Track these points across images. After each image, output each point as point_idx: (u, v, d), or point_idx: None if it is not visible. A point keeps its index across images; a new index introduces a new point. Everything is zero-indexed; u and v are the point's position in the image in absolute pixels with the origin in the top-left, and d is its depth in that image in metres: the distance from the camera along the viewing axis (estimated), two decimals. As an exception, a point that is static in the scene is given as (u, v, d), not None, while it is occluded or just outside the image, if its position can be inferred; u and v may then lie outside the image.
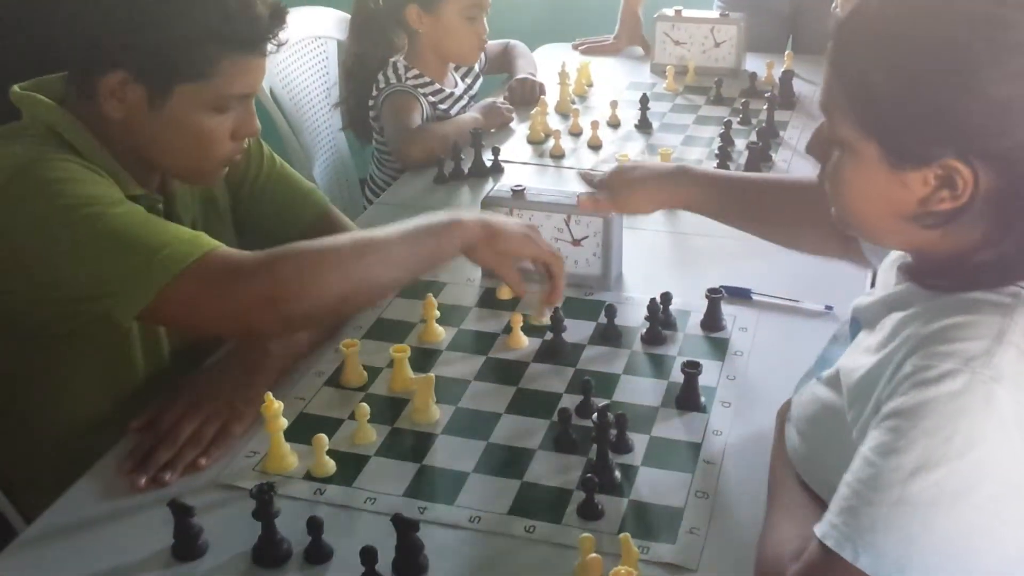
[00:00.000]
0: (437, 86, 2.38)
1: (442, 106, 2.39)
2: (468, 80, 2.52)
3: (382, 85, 2.33)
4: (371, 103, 2.37)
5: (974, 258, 0.93)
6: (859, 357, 1.02)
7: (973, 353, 0.87)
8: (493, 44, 2.66)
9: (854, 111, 0.94)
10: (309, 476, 1.24)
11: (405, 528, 1.08)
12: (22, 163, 1.26)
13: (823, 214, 1.12)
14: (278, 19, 1.36)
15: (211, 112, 1.34)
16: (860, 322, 1.09)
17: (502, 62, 2.69)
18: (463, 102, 2.46)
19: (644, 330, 1.51)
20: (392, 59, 2.36)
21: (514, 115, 2.38)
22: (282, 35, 1.38)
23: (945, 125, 0.89)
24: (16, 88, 1.37)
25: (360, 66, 2.41)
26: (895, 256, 1.09)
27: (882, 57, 0.91)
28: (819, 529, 0.90)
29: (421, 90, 2.33)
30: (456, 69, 2.49)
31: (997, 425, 0.84)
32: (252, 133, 1.42)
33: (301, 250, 1.28)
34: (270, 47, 1.37)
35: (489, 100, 2.39)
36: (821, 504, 0.94)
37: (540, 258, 1.43)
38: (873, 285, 1.19)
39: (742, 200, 1.48)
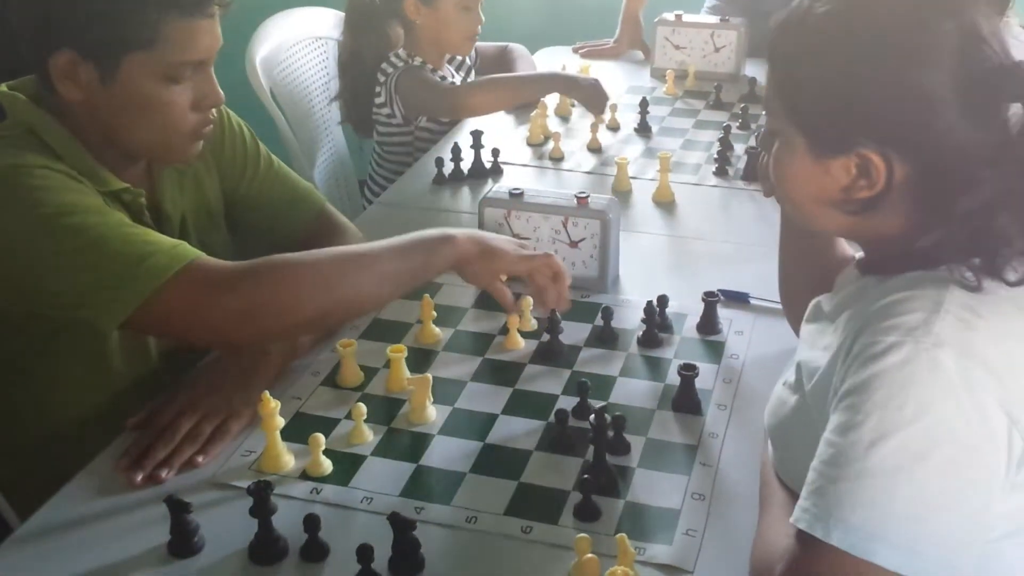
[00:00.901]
0: (440, 73, 2.40)
1: None
2: (461, 73, 2.53)
3: (389, 71, 2.35)
4: (377, 91, 2.38)
5: (914, 244, 0.98)
6: (816, 353, 1.06)
7: (914, 324, 0.90)
8: (490, 46, 2.67)
9: (783, 103, 1.02)
10: (305, 476, 1.24)
11: (402, 527, 1.08)
12: (3, 166, 1.26)
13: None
14: None
15: (165, 82, 1.32)
16: (808, 318, 1.14)
17: (501, 64, 2.69)
18: None
19: (640, 332, 1.51)
20: (391, 52, 2.37)
21: (609, 105, 2.35)
22: None
23: (858, 116, 0.96)
24: (3, 87, 1.37)
25: (356, 61, 2.42)
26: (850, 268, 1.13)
27: (807, 51, 0.99)
28: (793, 516, 0.92)
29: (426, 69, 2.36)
30: (450, 61, 2.50)
31: (945, 389, 0.87)
32: (216, 102, 1.39)
33: (281, 264, 1.27)
34: (216, 9, 1.33)
35: (593, 78, 2.36)
36: None
37: (535, 273, 1.44)
38: None
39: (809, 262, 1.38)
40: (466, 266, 1.39)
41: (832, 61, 0.97)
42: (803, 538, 0.90)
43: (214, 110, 1.40)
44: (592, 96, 2.30)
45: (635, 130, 2.34)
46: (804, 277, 1.31)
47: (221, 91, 1.39)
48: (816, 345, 1.07)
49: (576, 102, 2.39)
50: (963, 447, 0.87)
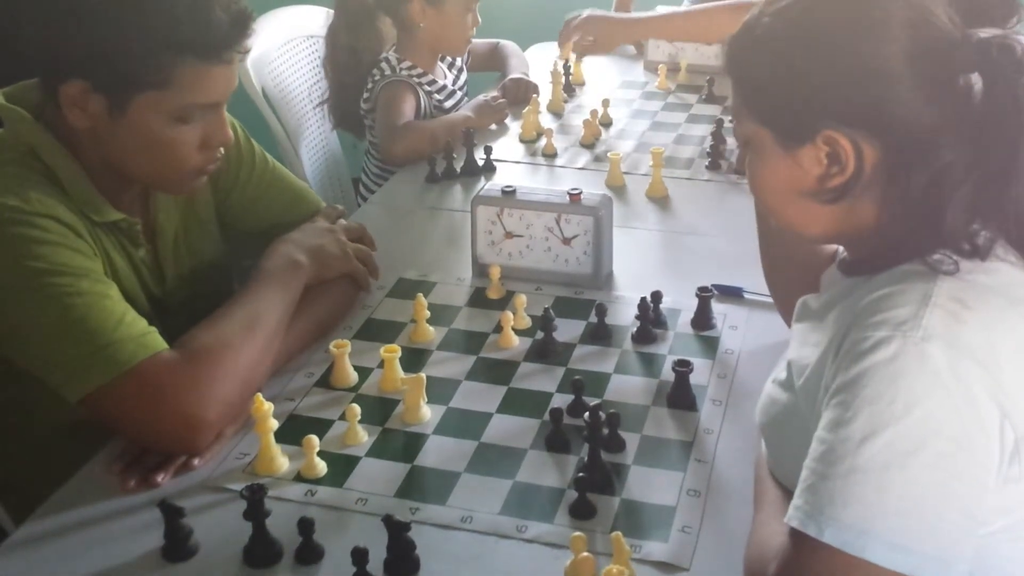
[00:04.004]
0: (431, 77, 2.39)
1: (438, 96, 2.40)
2: (454, 72, 2.52)
3: (377, 78, 2.33)
4: (366, 96, 2.36)
5: (890, 233, 0.98)
6: (806, 350, 1.06)
7: (903, 318, 0.90)
8: (480, 43, 2.66)
9: (746, 104, 1.04)
10: (300, 478, 1.23)
11: (396, 529, 1.08)
12: (4, 207, 1.25)
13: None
14: (240, 26, 1.31)
15: (174, 122, 1.31)
16: (799, 317, 1.14)
17: (492, 61, 2.69)
18: (457, 96, 2.47)
19: (635, 329, 1.51)
20: (383, 54, 2.36)
21: (507, 112, 2.37)
22: (247, 43, 1.33)
23: (816, 98, 0.97)
24: (0, 98, 1.36)
25: (354, 59, 2.39)
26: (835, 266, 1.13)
27: (760, 49, 1.01)
28: (786, 515, 0.92)
29: (416, 80, 2.34)
30: (441, 60, 2.49)
31: (935, 383, 0.87)
32: (223, 144, 1.38)
33: (203, 356, 1.27)
34: (235, 56, 1.32)
35: (480, 97, 2.39)
36: None
37: (351, 273, 1.59)
38: None
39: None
40: (311, 279, 1.51)
41: (785, 49, 0.99)
42: (796, 536, 0.90)
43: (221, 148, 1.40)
44: (492, 112, 2.33)
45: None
46: (790, 278, 1.32)
47: (230, 132, 1.39)
48: (806, 343, 1.07)
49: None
50: (954, 441, 0.86)
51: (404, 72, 2.33)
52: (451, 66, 2.52)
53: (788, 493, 1.07)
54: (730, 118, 2.25)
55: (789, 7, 1.00)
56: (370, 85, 2.35)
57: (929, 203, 0.95)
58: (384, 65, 2.34)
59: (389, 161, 2.25)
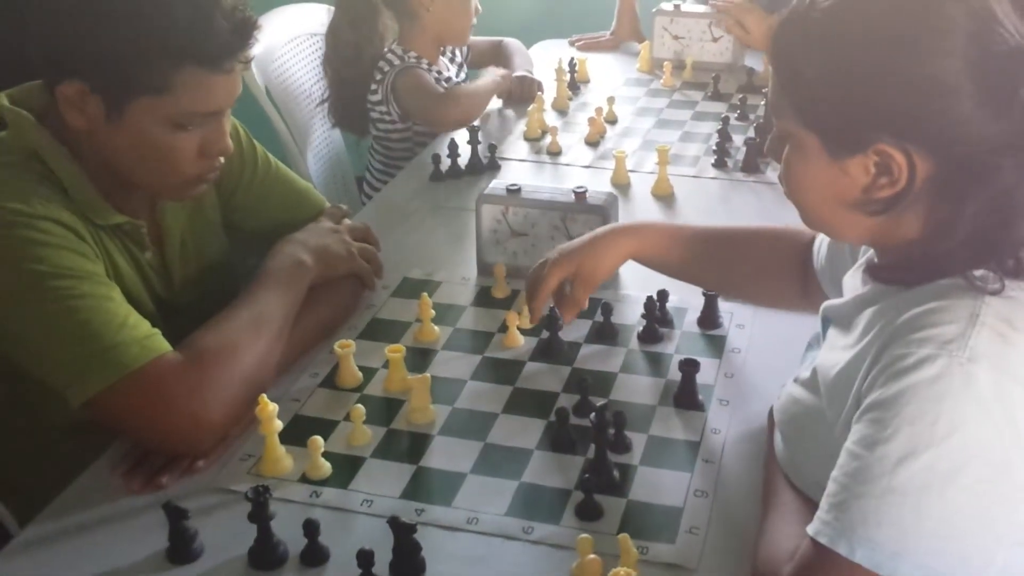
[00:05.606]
0: (436, 68, 2.39)
1: (444, 86, 2.39)
2: (455, 67, 2.52)
3: (386, 69, 2.33)
4: (374, 88, 2.36)
5: (935, 247, 0.94)
6: (834, 354, 1.03)
7: (949, 337, 0.87)
8: (484, 40, 2.66)
9: (792, 104, 0.98)
10: (305, 479, 1.23)
11: (402, 531, 1.07)
12: (6, 210, 1.24)
13: (785, 265, 1.19)
14: (242, 35, 1.29)
15: (171, 128, 1.29)
16: (831, 320, 1.10)
17: (496, 59, 2.67)
18: None
19: (641, 328, 1.50)
20: (385, 48, 2.36)
21: (538, 89, 2.44)
22: (249, 52, 1.31)
23: (871, 110, 0.92)
24: (4, 99, 1.35)
25: (357, 54, 2.39)
26: (861, 263, 1.10)
27: (812, 48, 0.95)
28: (811, 528, 0.90)
29: (424, 68, 2.34)
30: (443, 54, 2.49)
31: (978, 406, 0.85)
32: (222, 152, 1.37)
33: (207, 358, 1.27)
34: (236, 65, 1.30)
35: (521, 72, 2.46)
36: (813, 505, 0.94)
37: (356, 272, 1.58)
38: None
39: (703, 250, 1.41)
40: (315, 278, 1.50)
41: (840, 55, 0.93)
42: (822, 551, 0.89)
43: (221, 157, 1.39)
44: (526, 85, 2.44)
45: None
46: (767, 284, 1.34)
47: (230, 142, 1.37)
48: (833, 347, 1.05)
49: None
50: (994, 465, 0.85)
51: (412, 61, 2.34)
52: (452, 60, 2.52)
53: (801, 494, 1.07)
54: (736, 115, 2.27)
55: (849, 5, 0.93)
56: (379, 77, 2.35)
57: (987, 225, 0.91)
58: (391, 56, 2.34)
59: (442, 127, 2.32)
